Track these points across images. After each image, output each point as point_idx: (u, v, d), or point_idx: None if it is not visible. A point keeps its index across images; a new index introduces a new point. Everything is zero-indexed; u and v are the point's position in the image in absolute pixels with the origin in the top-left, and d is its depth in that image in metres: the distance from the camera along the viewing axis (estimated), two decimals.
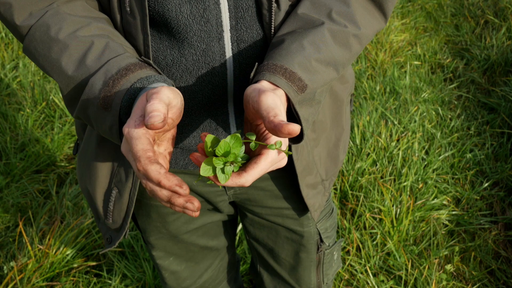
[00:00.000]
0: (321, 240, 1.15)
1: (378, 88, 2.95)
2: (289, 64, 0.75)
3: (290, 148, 0.94)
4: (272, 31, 0.83)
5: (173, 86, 0.77)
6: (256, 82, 0.75)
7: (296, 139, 0.81)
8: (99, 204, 0.98)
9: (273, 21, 0.82)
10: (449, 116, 2.78)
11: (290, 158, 0.97)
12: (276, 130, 0.64)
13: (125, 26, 0.82)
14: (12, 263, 1.97)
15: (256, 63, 0.79)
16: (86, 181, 0.99)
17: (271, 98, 0.68)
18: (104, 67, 0.75)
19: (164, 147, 0.73)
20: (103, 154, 0.94)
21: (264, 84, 0.74)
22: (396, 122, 2.67)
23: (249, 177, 0.67)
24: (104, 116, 0.74)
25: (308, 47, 0.78)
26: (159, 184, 0.64)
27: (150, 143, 0.66)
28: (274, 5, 0.81)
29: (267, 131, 0.72)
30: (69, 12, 0.79)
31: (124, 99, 0.73)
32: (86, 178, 0.98)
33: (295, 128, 0.63)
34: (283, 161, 0.73)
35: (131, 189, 0.93)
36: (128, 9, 0.79)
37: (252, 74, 0.77)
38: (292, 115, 0.79)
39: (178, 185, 0.64)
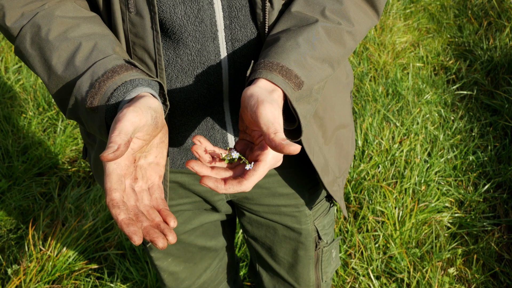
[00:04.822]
0: (319, 237, 1.15)
1: (380, 90, 2.94)
2: (285, 62, 0.76)
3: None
4: (266, 30, 0.84)
5: (160, 85, 0.78)
6: (253, 80, 0.76)
7: (295, 135, 0.81)
8: None
9: (266, 20, 0.83)
10: (452, 118, 2.77)
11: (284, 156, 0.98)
12: (278, 150, 0.65)
13: (129, 27, 0.82)
14: (15, 266, 1.98)
15: (252, 61, 0.80)
16: None
17: (270, 111, 0.69)
18: (91, 68, 0.75)
19: (154, 155, 0.74)
20: None
21: (261, 85, 0.74)
22: (398, 124, 2.66)
23: (249, 184, 0.70)
24: (92, 118, 0.75)
25: (303, 44, 0.79)
26: (120, 226, 0.66)
27: (120, 179, 0.67)
28: (268, 4, 0.82)
29: (262, 138, 0.73)
30: (58, 13, 0.79)
31: (109, 104, 0.73)
32: None
33: (296, 149, 0.64)
34: (278, 162, 0.75)
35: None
36: (133, 9, 0.79)
37: (248, 72, 0.78)
38: (290, 112, 0.79)
39: (133, 233, 0.64)
